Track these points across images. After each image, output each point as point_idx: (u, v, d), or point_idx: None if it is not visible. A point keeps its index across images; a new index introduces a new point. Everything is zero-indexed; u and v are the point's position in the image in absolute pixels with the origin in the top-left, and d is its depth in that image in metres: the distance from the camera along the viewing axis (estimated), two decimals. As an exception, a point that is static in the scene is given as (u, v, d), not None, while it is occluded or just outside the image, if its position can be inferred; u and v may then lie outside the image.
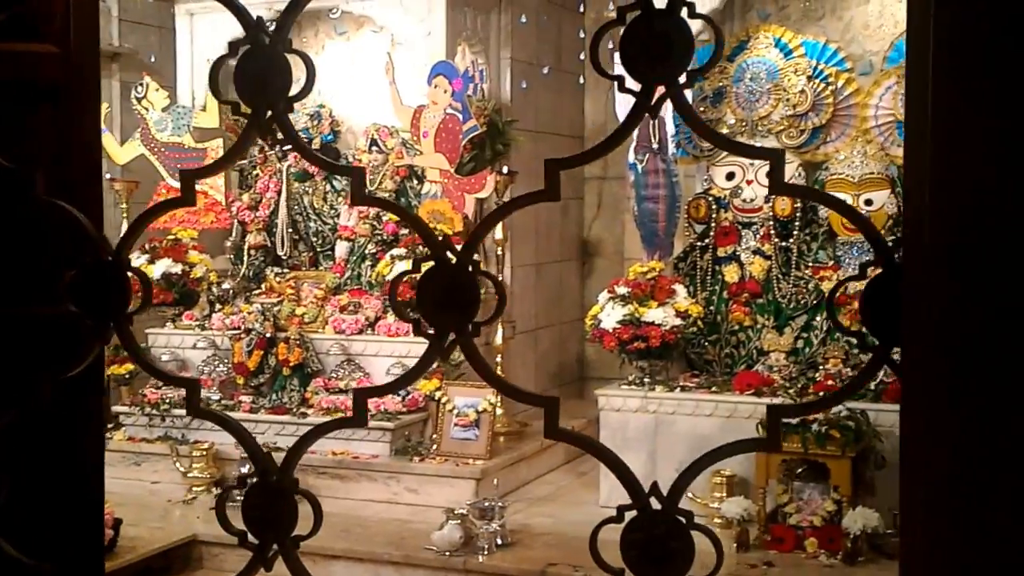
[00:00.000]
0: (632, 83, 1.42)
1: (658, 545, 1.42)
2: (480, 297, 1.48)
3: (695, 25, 1.38)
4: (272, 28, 1.55)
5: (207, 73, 7.90)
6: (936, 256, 1.27)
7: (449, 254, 1.49)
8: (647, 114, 1.43)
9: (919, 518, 1.34)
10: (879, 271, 1.36)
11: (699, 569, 1.44)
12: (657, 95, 1.40)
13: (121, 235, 1.71)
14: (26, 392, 1.70)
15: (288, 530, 1.62)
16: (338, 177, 7.86)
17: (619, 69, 1.45)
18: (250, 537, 1.63)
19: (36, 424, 1.76)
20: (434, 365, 6.75)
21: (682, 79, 1.38)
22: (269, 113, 1.57)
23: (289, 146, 7.64)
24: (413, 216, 1.76)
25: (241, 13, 1.59)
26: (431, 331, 1.50)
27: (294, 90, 1.56)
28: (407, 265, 6.89)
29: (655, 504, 1.42)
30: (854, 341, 5.69)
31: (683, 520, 1.41)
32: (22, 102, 1.73)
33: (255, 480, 1.64)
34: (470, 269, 1.49)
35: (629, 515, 1.42)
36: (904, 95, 1.32)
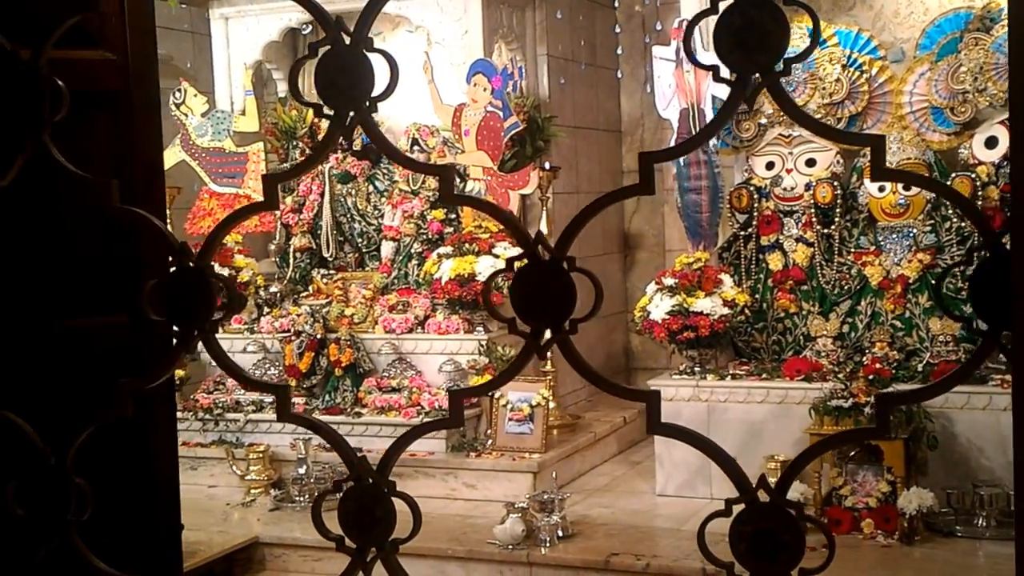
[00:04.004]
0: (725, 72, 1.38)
1: (768, 538, 1.39)
2: (576, 294, 1.45)
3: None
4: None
5: (243, 76, 8.01)
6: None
7: (542, 250, 1.44)
8: (734, 104, 1.37)
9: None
10: (986, 256, 1.34)
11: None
12: (753, 84, 1.35)
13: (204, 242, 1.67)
14: (105, 403, 1.66)
15: (387, 533, 1.59)
16: (380, 177, 7.93)
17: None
18: (347, 541, 1.59)
19: (112, 436, 1.73)
20: (486, 361, 6.86)
21: (779, 67, 1.34)
22: (352, 115, 1.52)
23: (330, 148, 7.72)
24: (504, 213, 1.69)
25: (320, 13, 1.54)
26: (527, 330, 1.45)
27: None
28: (454, 263, 6.98)
29: (763, 497, 1.39)
30: (899, 324, 5.73)
31: (792, 512, 1.39)
32: (80, 111, 1.70)
33: (351, 484, 1.60)
34: (564, 265, 1.44)
35: (737, 508, 1.40)
36: (1009, 83, 1.31)
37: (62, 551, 1.65)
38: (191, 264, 1.60)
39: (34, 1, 1.68)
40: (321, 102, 1.52)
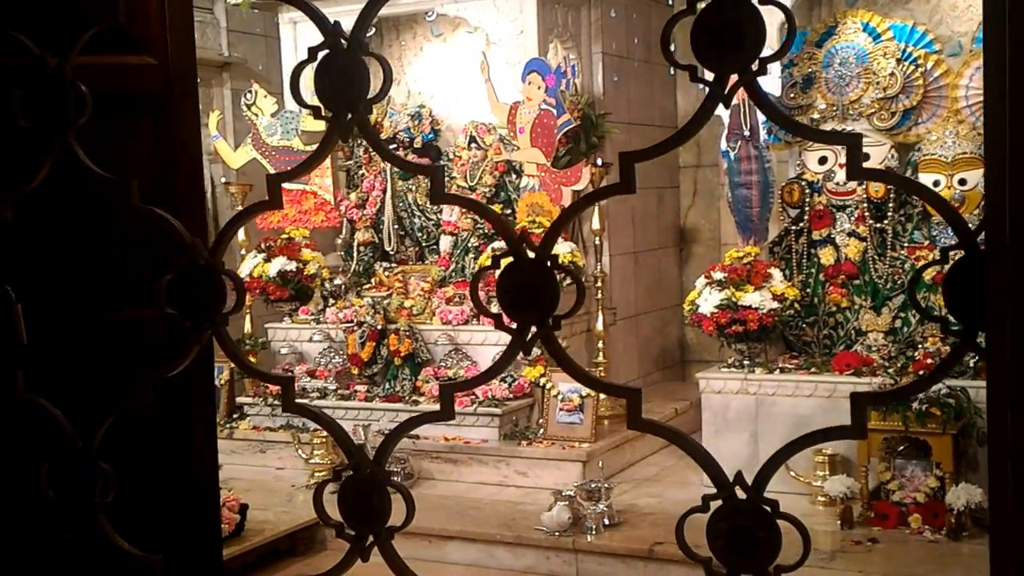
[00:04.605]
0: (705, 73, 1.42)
1: (744, 534, 1.41)
2: (559, 291, 1.49)
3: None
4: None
5: (311, 78, 8.29)
6: (1019, 238, 1.28)
7: (527, 249, 1.48)
8: (722, 103, 1.40)
9: (1007, 494, 1.33)
10: (962, 254, 1.35)
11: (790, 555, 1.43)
12: (730, 84, 1.38)
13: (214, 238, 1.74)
14: (128, 393, 1.71)
15: (383, 521, 1.64)
16: (441, 174, 8.14)
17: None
18: (347, 528, 1.66)
19: (148, 422, 1.81)
20: (537, 352, 7.02)
21: (755, 67, 1.36)
22: (349, 116, 1.55)
23: (392, 146, 7.95)
24: (491, 212, 1.72)
25: (319, 18, 1.59)
26: (513, 326, 1.49)
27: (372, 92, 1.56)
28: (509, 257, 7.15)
29: (740, 494, 1.42)
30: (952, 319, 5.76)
31: (768, 509, 1.40)
32: (121, 113, 1.77)
33: (349, 473, 1.66)
34: (548, 264, 1.48)
35: (715, 504, 1.43)
36: (983, 81, 1.33)
37: (90, 533, 1.74)
38: (202, 261, 1.66)
39: (70, 10, 1.76)
40: (320, 104, 1.58)
